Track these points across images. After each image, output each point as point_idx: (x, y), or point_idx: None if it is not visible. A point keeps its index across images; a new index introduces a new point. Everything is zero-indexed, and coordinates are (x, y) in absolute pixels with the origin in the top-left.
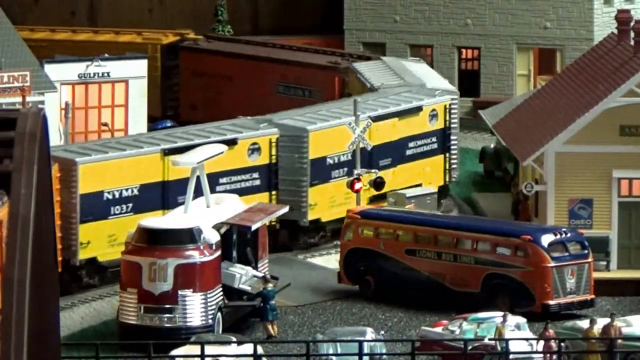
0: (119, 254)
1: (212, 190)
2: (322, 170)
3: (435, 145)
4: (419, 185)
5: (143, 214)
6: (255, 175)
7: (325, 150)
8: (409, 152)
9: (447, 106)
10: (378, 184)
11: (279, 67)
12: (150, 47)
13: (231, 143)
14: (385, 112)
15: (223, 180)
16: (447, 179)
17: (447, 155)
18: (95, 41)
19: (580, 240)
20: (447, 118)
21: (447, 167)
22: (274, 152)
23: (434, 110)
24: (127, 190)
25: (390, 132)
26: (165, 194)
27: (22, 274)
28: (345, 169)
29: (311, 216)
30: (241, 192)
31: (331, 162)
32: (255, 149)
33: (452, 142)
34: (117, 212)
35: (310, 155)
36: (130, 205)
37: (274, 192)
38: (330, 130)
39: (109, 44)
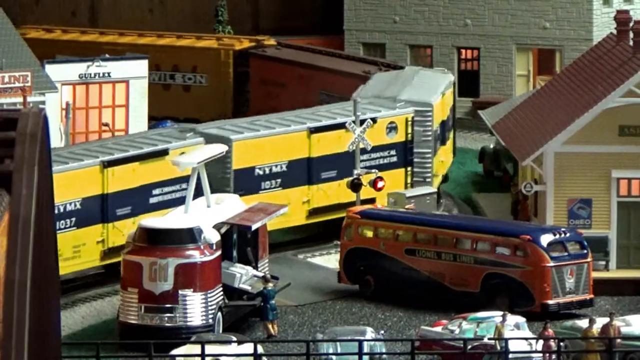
0: (64, 269)
1: (147, 203)
2: (249, 181)
3: (394, 159)
4: (373, 200)
5: (85, 228)
6: (185, 185)
7: (253, 161)
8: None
9: (409, 119)
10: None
11: (321, 75)
12: (224, 53)
13: (163, 153)
14: (326, 123)
15: (156, 191)
16: None
17: (409, 169)
18: (174, 46)
19: (580, 240)
20: (409, 131)
21: (409, 180)
22: None
23: (392, 122)
24: (70, 204)
25: (334, 143)
26: (104, 207)
27: (23, 274)
28: (279, 180)
29: None
30: (173, 204)
31: (260, 172)
32: None
33: (418, 155)
34: (61, 227)
35: (235, 166)
36: (74, 219)
37: None
38: (259, 141)
39: (187, 50)
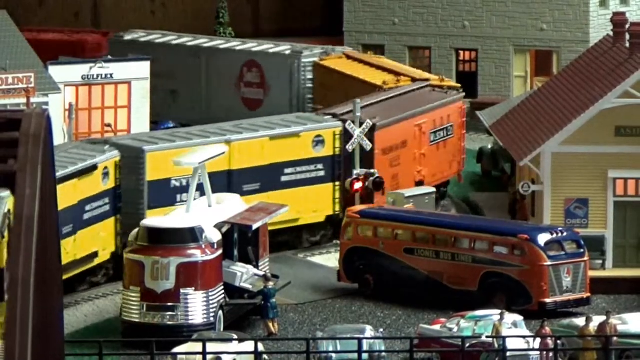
0: None
1: None
2: None
3: (107, 207)
4: (94, 255)
5: None
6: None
7: None
8: (86, 217)
9: (117, 163)
10: (377, 184)
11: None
12: None
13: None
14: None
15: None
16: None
17: (118, 216)
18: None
19: (577, 239)
20: (118, 176)
21: (119, 229)
22: None
23: (105, 168)
24: None
25: (66, 194)
26: None
27: (26, 274)
28: None
29: None
30: None
31: None
32: None
33: (128, 204)
34: None
35: None
36: None
37: None
38: None
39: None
